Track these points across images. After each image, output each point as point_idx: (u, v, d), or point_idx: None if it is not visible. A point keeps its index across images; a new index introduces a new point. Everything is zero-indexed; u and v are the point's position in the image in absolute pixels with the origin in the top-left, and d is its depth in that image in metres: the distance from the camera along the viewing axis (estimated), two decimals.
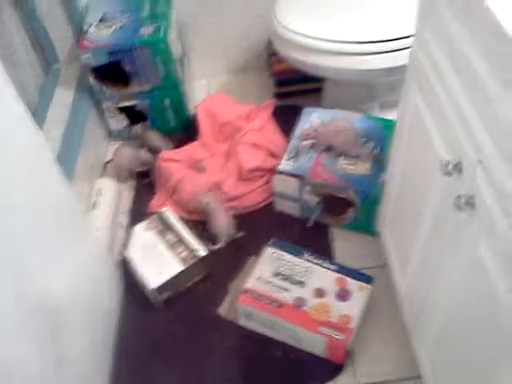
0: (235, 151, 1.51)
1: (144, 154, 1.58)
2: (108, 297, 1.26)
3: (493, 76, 0.64)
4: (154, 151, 1.60)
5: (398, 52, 1.32)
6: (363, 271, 1.23)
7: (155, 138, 1.65)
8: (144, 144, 1.64)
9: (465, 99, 0.72)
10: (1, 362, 0.75)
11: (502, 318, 0.66)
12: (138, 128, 1.71)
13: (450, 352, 0.88)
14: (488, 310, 0.71)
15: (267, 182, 1.48)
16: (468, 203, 0.71)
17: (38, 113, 1.57)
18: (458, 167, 0.74)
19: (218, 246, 1.37)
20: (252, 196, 1.48)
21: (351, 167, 1.35)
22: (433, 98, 0.85)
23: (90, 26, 1.61)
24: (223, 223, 1.38)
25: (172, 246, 1.31)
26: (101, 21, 1.64)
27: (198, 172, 1.52)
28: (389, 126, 1.39)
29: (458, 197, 0.72)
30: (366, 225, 1.33)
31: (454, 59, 0.76)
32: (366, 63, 1.36)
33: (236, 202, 1.46)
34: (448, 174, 0.76)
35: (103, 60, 1.55)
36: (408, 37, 1.27)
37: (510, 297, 0.64)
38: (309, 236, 1.39)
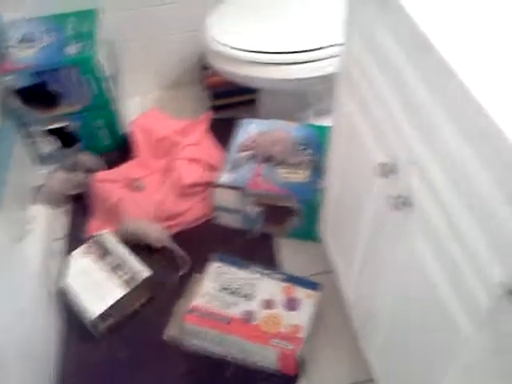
0: (173, 167, 1.49)
1: (76, 177, 1.52)
2: (45, 331, 1.18)
3: (420, 79, 0.65)
4: (88, 173, 1.54)
5: (327, 60, 1.35)
6: (310, 278, 1.22)
7: (86, 159, 1.59)
8: (77, 166, 1.58)
9: (395, 104, 0.74)
10: None
11: (442, 313, 0.67)
12: (69, 150, 1.64)
13: (398, 354, 0.88)
14: (429, 305, 0.71)
15: (207, 196, 1.45)
16: (405, 203, 0.72)
17: None
18: (393, 169, 0.76)
19: (182, 272, 1.33)
20: (193, 211, 1.45)
21: (291, 175, 1.35)
22: (364, 104, 0.86)
23: (11, 47, 1.54)
24: (155, 232, 1.36)
25: (113, 270, 1.25)
26: (22, 41, 1.57)
27: (137, 191, 1.47)
28: (325, 132, 1.41)
29: (395, 197, 0.73)
30: (310, 232, 1.33)
31: (381, 65, 0.77)
32: (297, 73, 1.38)
33: (178, 219, 1.43)
34: (384, 175, 0.77)
35: (27, 81, 1.48)
36: (337, 45, 1.29)
37: (452, 295, 0.65)
38: (253, 247, 1.37)
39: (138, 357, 1.19)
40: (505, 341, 0.56)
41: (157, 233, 1.36)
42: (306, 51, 1.34)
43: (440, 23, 0.61)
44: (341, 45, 0.93)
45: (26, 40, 1.57)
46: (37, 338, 1.12)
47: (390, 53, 0.73)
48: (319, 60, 1.35)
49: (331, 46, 1.34)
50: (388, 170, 0.76)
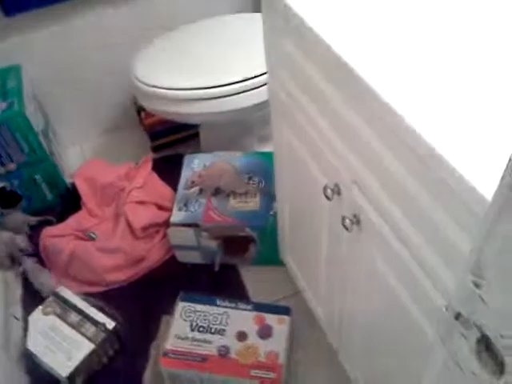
0: (123, 212, 1.47)
1: (20, 241, 1.47)
2: None
3: (341, 99, 0.69)
4: (19, 234, 1.51)
5: (261, 88, 1.39)
6: (280, 302, 1.24)
7: (13, 220, 1.55)
8: (6, 227, 1.53)
9: (325, 125, 0.77)
10: None
11: (406, 318, 0.70)
12: (13, 210, 1.59)
13: (376, 363, 0.91)
14: (393, 312, 0.74)
15: (164, 237, 1.45)
16: (353, 222, 0.75)
17: None
18: (336, 190, 0.78)
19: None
20: (153, 253, 1.44)
21: (241, 205, 1.37)
22: (298, 128, 0.89)
23: None
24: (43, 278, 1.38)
25: (76, 326, 1.22)
26: None
27: (89, 241, 1.44)
28: (269, 158, 1.45)
29: (343, 218, 0.76)
30: (271, 257, 1.36)
31: (305, 89, 0.80)
32: (229, 104, 1.40)
33: (140, 264, 1.42)
34: (328, 197, 0.80)
35: None
36: (264, 74, 1.34)
37: (406, 292, 0.68)
38: (219, 280, 1.38)
39: None
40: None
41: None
42: (237, 82, 1.37)
43: (352, 42, 0.64)
44: (267, 73, 0.97)
45: None
46: None
47: (310, 76, 0.76)
48: (249, 90, 1.38)
49: (259, 75, 1.38)
50: (331, 191, 0.79)
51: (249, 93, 1.40)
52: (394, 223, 0.65)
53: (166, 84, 1.38)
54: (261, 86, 1.39)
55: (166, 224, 1.39)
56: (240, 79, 1.38)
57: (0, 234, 1.49)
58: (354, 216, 0.74)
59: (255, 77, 1.38)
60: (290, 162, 1.01)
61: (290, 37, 0.79)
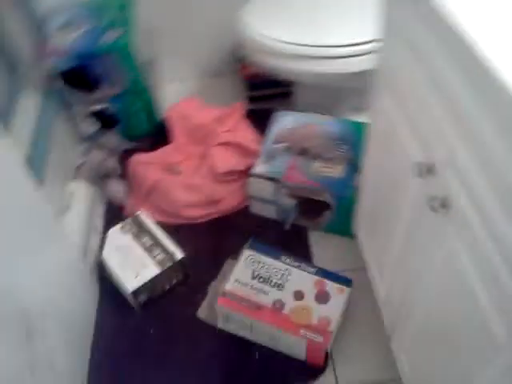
0: (208, 154, 1.51)
1: (111, 163, 1.56)
2: (84, 300, 1.24)
3: (459, 76, 0.65)
4: (113, 154, 1.62)
5: (366, 56, 1.34)
6: (342, 273, 1.24)
7: (112, 141, 1.66)
8: (103, 147, 1.63)
9: (435, 100, 0.73)
10: None
11: (478, 319, 0.67)
12: (108, 132, 1.69)
13: (428, 354, 0.89)
14: (465, 311, 0.71)
15: (243, 185, 1.48)
16: (442, 204, 0.71)
17: (5, 116, 1.53)
18: (430, 169, 0.75)
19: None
20: (230, 199, 1.48)
21: (325, 170, 1.37)
22: (402, 101, 0.86)
23: (54, 30, 1.58)
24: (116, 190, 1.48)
25: (148, 249, 1.29)
26: (64, 26, 1.60)
27: (173, 175, 1.50)
28: (361, 128, 1.42)
29: (432, 198, 0.73)
30: (344, 227, 1.35)
31: (420, 61, 0.77)
32: (335, 67, 1.38)
33: (216, 206, 1.46)
34: (420, 175, 0.77)
35: (68, 65, 1.51)
36: (376, 41, 1.29)
37: (487, 295, 0.65)
38: (286, 238, 1.40)
39: (169, 333, 1.23)
40: None
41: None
42: (345, 46, 1.34)
43: (478, 18, 0.60)
44: (379, 40, 0.93)
45: (67, 25, 1.60)
46: (75, 309, 1.17)
47: (427, 48, 0.73)
48: (358, 55, 1.35)
49: (372, 41, 1.34)
50: (425, 170, 0.76)
51: (354, 58, 1.37)
52: (489, 216, 0.61)
53: (273, 35, 1.37)
54: (366, 53, 1.35)
55: (247, 174, 1.42)
56: (348, 43, 1.34)
57: (94, 152, 1.59)
58: (444, 198, 0.71)
59: (363, 43, 1.34)
60: (383, 134, 0.99)
61: (411, 5, 0.76)
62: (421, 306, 0.89)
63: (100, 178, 1.57)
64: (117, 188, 1.54)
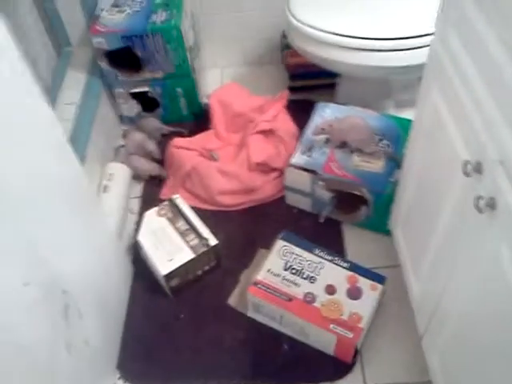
0: (246, 143, 1.51)
1: (150, 145, 1.57)
2: (118, 281, 1.26)
3: None
4: (151, 138, 1.64)
5: (416, 50, 1.31)
6: (376, 270, 1.22)
7: (151, 124, 1.67)
8: (142, 129, 1.65)
9: (487, 98, 0.71)
10: (12, 342, 0.75)
11: None
12: (149, 115, 1.71)
13: (462, 359, 0.87)
14: (507, 315, 0.70)
15: (280, 175, 1.47)
16: (488, 204, 0.70)
17: (51, 94, 1.56)
18: (478, 168, 0.73)
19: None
20: (265, 188, 1.47)
21: (364, 164, 1.35)
22: (453, 97, 0.83)
23: (103, 10, 1.60)
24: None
25: (182, 234, 1.30)
26: (113, 6, 1.62)
27: (211, 161, 1.51)
28: (404, 124, 1.39)
29: (478, 198, 0.71)
30: (379, 223, 1.33)
31: (477, 57, 0.74)
32: (384, 60, 1.35)
33: (251, 195, 1.46)
34: (467, 174, 0.75)
35: (115, 45, 1.54)
36: (428, 34, 1.26)
37: None
38: (320, 232, 1.39)
39: (200, 317, 1.25)
40: None
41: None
42: (396, 39, 1.31)
43: None
44: (431, 34, 0.90)
45: (117, 5, 1.62)
46: (109, 289, 1.19)
47: (489, 46, 0.70)
48: (409, 49, 1.32)
49: (422, 35, 1.30)
50: (472, 169, 0.74)
51: (401, 52, 1.33)
52: None
53: (321, 26, 1.35)
54: (415, 47, 1.32)
55: (280, 170, 1.41)
56: (397, 36, 1.31)
57: (134, 134, 1.61)
58: (491, 199, 0.69)
59: (412, 37, 1.31)
60: (429, 130, 0.96)
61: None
62: (458, 307, 0.87)
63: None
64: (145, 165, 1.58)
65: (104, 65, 1.58)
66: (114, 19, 1.56)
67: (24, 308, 0.79)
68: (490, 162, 0.71)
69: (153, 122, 1.67)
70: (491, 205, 0.70)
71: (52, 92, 1.58)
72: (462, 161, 0.77)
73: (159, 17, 1.55)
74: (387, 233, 1.29)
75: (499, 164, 0.68)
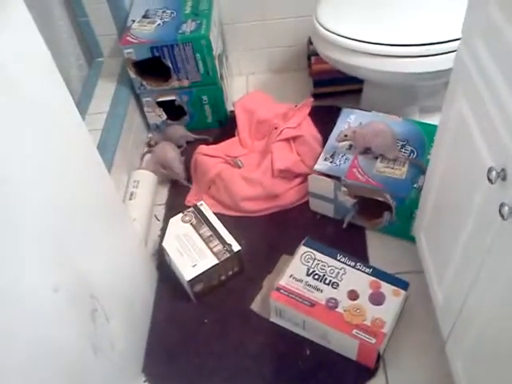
0: (270, 150, 1.52)
1: (175, 153, 1.61)
2: (143, 286, 1.28)
3: None
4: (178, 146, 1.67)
5: (442, 56, 1.30)
6: (399, 276, 1.21)
7: (177, 132, 1.70)
8: (169, 138, 1.68)
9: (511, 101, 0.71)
10: (44, 346, 0.77)
11: None
12: (175, 123, 1.74)
13: (486, 364, 0.86)
14: None
15: (303, 182, 1.48)
16: None
17: (81, 104, 1.61)
18: (502, 174, 0.73)
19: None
20: (289, 195, 1.48)
21: (388, 170, 1.34)
22: (478, 103, 0.83)
23: (134, 21, 1.64)
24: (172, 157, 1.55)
25: (206, 240, 1.32)
26: (144, 17, 1.67)
27: (235, 168, 1.53)
28: (428, 130, 1.39)
29: (502, 204, 0.71)
30: (403, 229, 1.33)
31: (503, 64, 0.74)
32: (410, 66, 1.35)
33: (274, 202, 1.48)
34: (491, 181, 0.74)
35: (145, 55, 1.58)
36: (453, 40, 1.26)
37: None
38: (343, 238, 1.39)
39: (223, 322, 1.26)
40: None
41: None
42: (421, 45, 1.31)
43: None
44: (456, 40, 0.90)
45: (148, 16, 1.67)
46: (135, 294, 1.22)
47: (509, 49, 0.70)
48: (435, 55, 1.31)
49: (448, 41, 1.29)
50: (496, 175, 0.73)
51: (427, 58, 1.33)
52: None
53: (347, 33, 1.36)
54: (441, 53, 1.31)
55: (303, 176, 1.42)
56: (422, 42, 1.31)
57: (160, 143, 1.65)
58: None
59: (438, 43, 1.30)
60: (454, 137, 0.96)
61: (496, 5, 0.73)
62: (482, 312, 0.86)
63: (163, 168, 1.62)
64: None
65: (132, 74, 1.63)
66: (145, 30, 1.60)
67: (54, 313, 0.82)
68: None
69: (178, 129, 1.70)
70: None
71: (83, 101, 1.63)
72: (486, 167, 0.76)
73: (189, 27, 1.59)
74: (411, 239, 1.28)
75: None
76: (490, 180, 0.75)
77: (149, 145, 1.73)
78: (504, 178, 0.73)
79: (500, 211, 0.71)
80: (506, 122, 0.73)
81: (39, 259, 0.78)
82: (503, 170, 0.73)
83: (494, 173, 0.74)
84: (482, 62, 0.81)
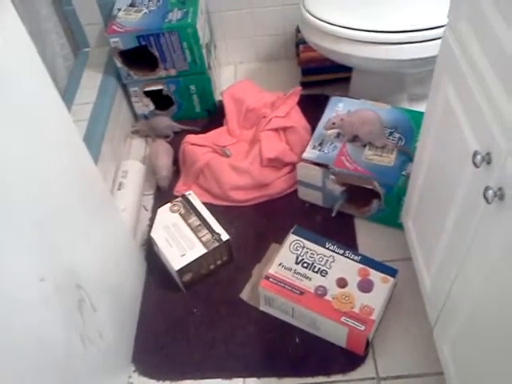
0: (258, 139, 1.52)
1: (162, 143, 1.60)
2: (132, 276, 1.28)
3: None
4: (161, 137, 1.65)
5: (430, 42, 1.30)
6: (388, 264, 1.22)
7: (162, 123, 1.68)
8: (152, 130, 1.67)
9: (498, 90, 0.71)
10: (30, 335, 0.77)
11: None
12: (162, 113, 1.73)
13: (472, 349, 0.86)
14: None
15: (292, 170, 1.48)
16: (496, 195, 0.70)
17: (67, 94, 1.60)
18: (487, 158, 0.73)
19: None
20: (277, 184, 1.48)
21: (376, 158, 1.34)
22: (464, 87, 0.83)
23: (120, 10, 1.63)
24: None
25: (195, 230, 1.32)
26: (130, 5, 1.65)
27: (224, 157, 1.52)
28: (416, 117, 1.39)
29: (486, 188, 0.71)
30: (391, 217, 1.33)
31: (489, 49, 0.74)
32: (397, 53, 1.35)
33: (263, 191, 1.47)
34: (476, 165, 0.75)
35: (131, 44, 1.56)
36: (441, 26, 1.25)
37: None
38: (332, 226, 1.39)
39: (212, 312, 1.26)
40: None
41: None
42: (408, 31, 1.30)
43: None
44: (444, 26, 0.90)
45: (134, 4, 1.65)
46: (123, 284, 1.21)
47: (498, 36, 0.70)
48: (422, 42, 1.31)
49: (435, 27, 1.29)
50: (481, 159, 0.74)
51: (414, 45, 1.33)
52: None
53: (335, 20, 1.36)
54: (428, 40, 1.31)
55: (292, 165, 1.42)
56: (409, 29, 1.30)
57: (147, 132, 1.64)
58: (499, 189, 0.69)
59: (425, 29, 1.30)
60: (440, 122, 0.96)
61: None
62: (468, 297, 0.87)
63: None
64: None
65: (119, 64, 1.61)
66: (131, 19, 1.58)
67: (41, 302, 0.81)
68: (499, 153, 0.71)
69: (163, 120, 1.69)
70: (499, 195, 0.70)
71: (69, 92, 1.62)
72: (471, 151, 0.77)
73: (175, 15, 1.57)
74: (399, 226, 1.28)
75: (508, 154, 0.68)
76: (475, 164, 0.75)
77: (132, 133, 1.73)
78: (489, 162, 0.73)
79: (484, 195, 0.71)
80: (492, 106, 0.73)
81: (25, 248, 0.77)
82: (488, 153, 0.73)
83: (479, 157, 0.74)
84: (467, 45, 0.81)
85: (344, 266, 1.21)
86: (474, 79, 0.79)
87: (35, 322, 0.79)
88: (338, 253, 1.24)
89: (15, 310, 0.73)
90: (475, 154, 0.75)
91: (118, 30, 1.55)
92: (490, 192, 0.70)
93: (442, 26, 0.92)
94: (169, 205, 1.38)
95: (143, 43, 1.56)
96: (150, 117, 1.74)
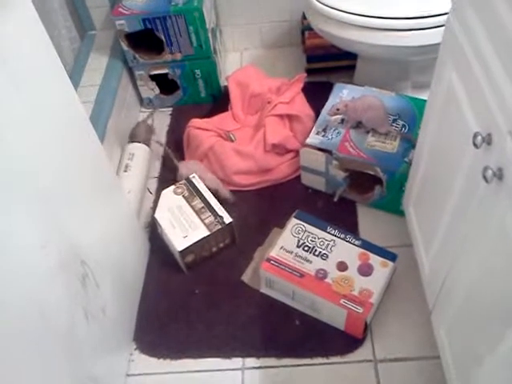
0: (263, 124, 1.52)
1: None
2: (135, 256, 1.30)
3: None
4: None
5: (435, 29, 1.30)
6: (388, 249, 1.23)
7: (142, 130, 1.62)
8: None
9: (501, 73, 0.71)
10: (34, 304, 0.79)
11: None
12: (168, 97, 1.73)
13: (468, 333, 0.87)
14: None
15: (295, 156, 1.49)
16: (496, 175, 0.71)
17: (73, 76, 1.60)
18: (487, 138, 0.74)
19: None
20: (281, 169, 1.49)
21: (379, 144, 1.35)
22: (467, 72, 0.84)
23: None
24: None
25: (198, 212, 1.33)
26: None
27: (228, 142, 1.53)
28: (420, 105, 1.39)
29: (485, 168, 0.72)
30: (393, 204, 1.34)
31: (492, 32, 0.75)
32: (402, 40, 1.35)
33: (267, 175, 1.48)
34: (477, 145, 0.75)
35: (137, 27, 1.57)
36: (446, 13, 1.25)
37: None
38: (334, 211, 1.40)
39: (213, 293, 1.27)
40: None
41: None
42: (414, 18, 1.30)
43: None
44: (447, 13, 0.90)
45: None
46: (127, 263, 1.23)
47: (502, 20, 0.70)
48: (428, 28, 1.31)
49: (441, 14, 1.29)
50: (482, 140, 0.74)
51: (420, 31, 1.33)
52: None
53: (341, 6, 1.36)
54: (434, 27, 1.31)
55: (295, 151, 1.44)
56: (415, 16, 1.30)
57: (152, 116, 1.64)
58: (499, 169, 0.70)
59: (431, 16, 1.30)
60: (443, 106, 0.96)
61: None
62: (465, 280, 0.87)
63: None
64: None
65: (125, 47, 1.62)
66: (137, 1, 1.59)
67: (43, 271, 0.82)
68: (499, 134, 0.71)
69: (172, 103, 1.69)
70: (499, 175, 0.71)
71: (74, 74, 1.62)
72: (471, 132, 0.77)
73: None
74: (401, 213, 1.29)
75: (508, 135, 0.68)
76: (475, 145, 0.76)
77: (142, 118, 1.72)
78: (489, 143, 0.74)
79: (484, 175, 0.72)
80: (493, 89, 0.74)
81: (26, 215, 0.78)
82: (489, 134, 0.74)
83: (479, 138, 0.75)
84: (471, 31, 0.82)
85: (344, 250, 1.22)
86: (477, 63, 0.80)
87: (38, 291, 0.80)
88: (338, 237, 1.25)
89: (17, 275, 0.75)
90: (476, 135, 0.75)
91: (124, 12, 1.55)
92: (490, 172, 0.71)
93: (448, 14, 0.92)
94: (173, 187, 1.39)
95: (149, 26, 1.56)
96: (156, 101, 1.75)
